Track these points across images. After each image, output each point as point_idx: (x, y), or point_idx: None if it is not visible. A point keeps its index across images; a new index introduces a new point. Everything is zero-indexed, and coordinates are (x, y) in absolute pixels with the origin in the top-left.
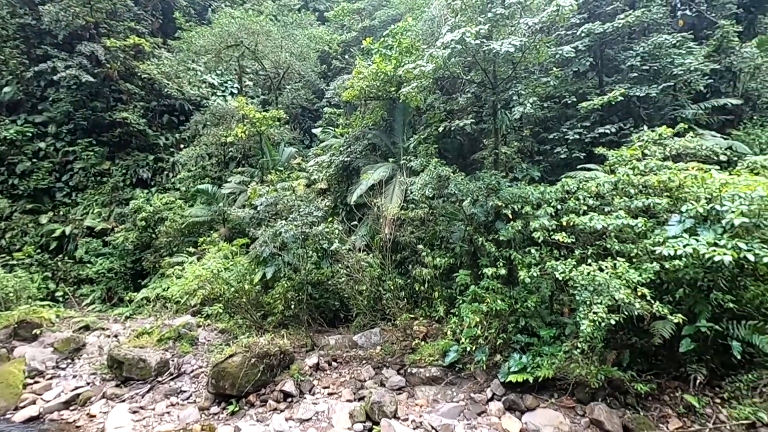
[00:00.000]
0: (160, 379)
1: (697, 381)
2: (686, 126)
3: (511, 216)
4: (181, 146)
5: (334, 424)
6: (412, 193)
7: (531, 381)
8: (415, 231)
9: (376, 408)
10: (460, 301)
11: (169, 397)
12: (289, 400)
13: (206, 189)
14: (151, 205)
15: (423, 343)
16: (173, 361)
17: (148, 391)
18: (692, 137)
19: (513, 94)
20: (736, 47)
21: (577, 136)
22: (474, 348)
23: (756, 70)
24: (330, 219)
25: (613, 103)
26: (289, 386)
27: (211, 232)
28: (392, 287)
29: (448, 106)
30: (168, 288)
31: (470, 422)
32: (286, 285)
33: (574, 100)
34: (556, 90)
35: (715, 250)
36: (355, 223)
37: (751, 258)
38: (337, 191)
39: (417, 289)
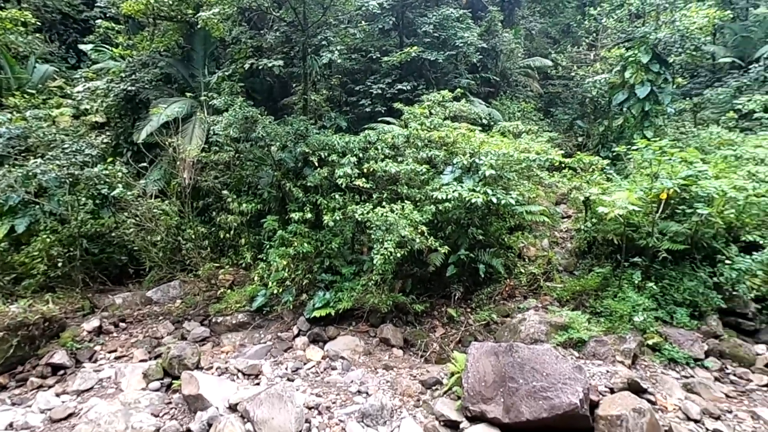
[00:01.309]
0: None
1: (456, 297)
2: (462, 92)
3: (318, 163)
4: None
5: (123, 388)
6: (215, 134)
7: (333, 314)
8: (219, 176)
9: (175, 362)
10: (268, 246)
11: None
12: (61, 372)
13: None
14: None
15: (229, 291)
16: None
17: None
18: (465, 102)
19: (322, 39)
20: (499, 31)
21: (380, 91)
22: (281, 290)
23: (511, 53)
24: (111, 159)
25: (409, 60)
26: (59, 357)
27: None
28: (193, 236)
29: (256, 42)
30: None
31: (277, 359)
32: (48, 240)
33: (379, 55)
34: (364, 43)
35: (472, 194)
36: (146, 165)
37: (495, 200)
38: (120, 126)
39: (222, 236)
